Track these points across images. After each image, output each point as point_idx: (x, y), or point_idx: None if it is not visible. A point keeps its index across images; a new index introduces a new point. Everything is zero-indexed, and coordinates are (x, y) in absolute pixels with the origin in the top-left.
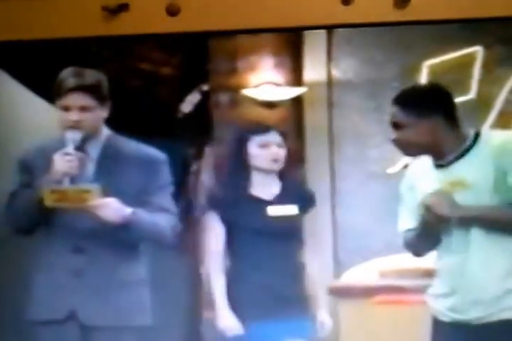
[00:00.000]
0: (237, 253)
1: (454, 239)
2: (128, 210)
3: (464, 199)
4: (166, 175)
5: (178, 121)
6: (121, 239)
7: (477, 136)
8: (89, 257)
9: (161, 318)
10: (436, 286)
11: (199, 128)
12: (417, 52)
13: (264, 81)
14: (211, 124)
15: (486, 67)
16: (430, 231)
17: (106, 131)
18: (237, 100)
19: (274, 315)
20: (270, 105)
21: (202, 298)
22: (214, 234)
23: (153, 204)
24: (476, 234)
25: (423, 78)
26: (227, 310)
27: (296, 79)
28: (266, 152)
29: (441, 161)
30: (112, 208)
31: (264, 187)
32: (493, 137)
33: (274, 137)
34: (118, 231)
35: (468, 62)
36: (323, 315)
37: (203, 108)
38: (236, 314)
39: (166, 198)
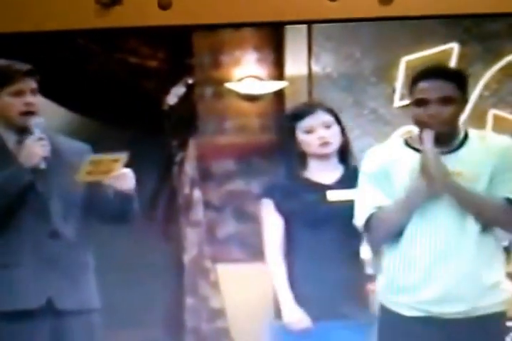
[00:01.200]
0: (295, 245)
1: (432, 224)
2: (133, 178)
3: None
4: None
5: (163, 113)
6: (93, 220)
7: (466, 131)
8: (65, 241)
9: (144, 305)
10: (401, 278)
11: (183, 120)
12: (395, 49)
13: (246, 75)
14: (195, 116)
15: (461, 63)
16: (413, 203)
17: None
18: (220, 93)
19: (336, 311)
20: (252, 98)
21: (184, 285)
22: (270, 224)
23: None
24: (456, 222)
25: (400, 74)
26: (293, 302)
27: (278, 74)
28: (312, 137)
29: (446, 147)
30: (129, 178)
31: (323, 172)
32: (489, 137)
33: (319, 117)
34: (123, 202)
35: (444, 58)
36: None
37: (187, 100)
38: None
39: None
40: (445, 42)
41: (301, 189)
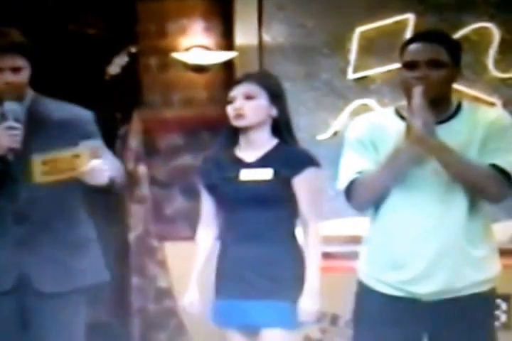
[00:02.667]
0: (222, 223)
1: (416, 197)
2: (106, 169)
3: None
4: (94, 132)
5: (105, 84)
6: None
7: (460, 102)
8: (34, 224)
9: None
10: (383, 256)
11: (127, 92)
12: (349, 19)
13: (194, 44)
14: (140, 88)
15: None
16: (397, 164)
17: (30, 92)
18: (166, 63)
19: (256, 291)
20: (200, 69)
21: (130, 264)
22: (203, 202)
23: None
24: (441, 191)
25: (354, 45)
26: (193, 285)
27: (227, 44)
28: (229, 107)
29: (437, 118)
30: (101, 171)
31: (250, 148)
32: (481, 109)
33: (242, 88)
34: (103, 192)
35: (399, 29)
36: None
37: (131, 71)
38: (217, 289)
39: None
40: (400, 13)
41: (225, 166)
